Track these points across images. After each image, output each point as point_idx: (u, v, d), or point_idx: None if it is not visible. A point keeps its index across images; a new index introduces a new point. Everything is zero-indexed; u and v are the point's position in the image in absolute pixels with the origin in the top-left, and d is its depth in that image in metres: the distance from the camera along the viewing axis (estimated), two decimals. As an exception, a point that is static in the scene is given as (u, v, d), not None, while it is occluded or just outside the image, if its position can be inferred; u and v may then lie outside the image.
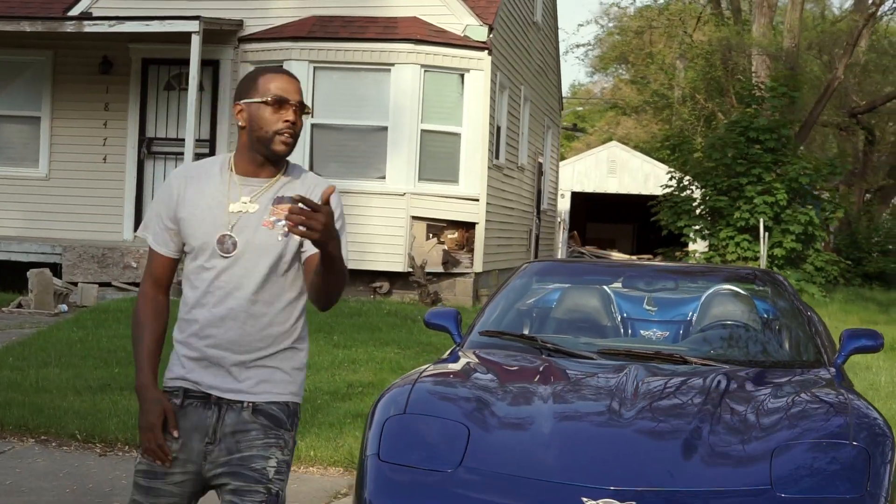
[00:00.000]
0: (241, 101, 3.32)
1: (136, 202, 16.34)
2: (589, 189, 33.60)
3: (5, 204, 16.44)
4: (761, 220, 20.28)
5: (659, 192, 26.76)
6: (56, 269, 14.14)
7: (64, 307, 13.20)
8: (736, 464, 4.19)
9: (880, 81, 34.13)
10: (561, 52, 30.71)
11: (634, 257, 33.00)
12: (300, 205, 2.91)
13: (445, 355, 5.65)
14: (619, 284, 6.43)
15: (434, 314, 6.05)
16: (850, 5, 36.17)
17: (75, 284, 13.97)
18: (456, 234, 15.60)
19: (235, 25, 15.98)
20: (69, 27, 15.20)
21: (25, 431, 7.17)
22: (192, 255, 3.34)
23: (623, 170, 33.19)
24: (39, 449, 6.95)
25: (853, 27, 27.84)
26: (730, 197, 21.83)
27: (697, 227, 22.69)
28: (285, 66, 14.40)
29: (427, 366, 5.24)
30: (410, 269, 15.18)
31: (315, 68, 15.33)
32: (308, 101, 2.97)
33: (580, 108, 59.99)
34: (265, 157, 3.30)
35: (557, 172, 26.67)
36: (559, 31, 24.47)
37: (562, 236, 21.26)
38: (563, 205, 29.24)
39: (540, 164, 22.45)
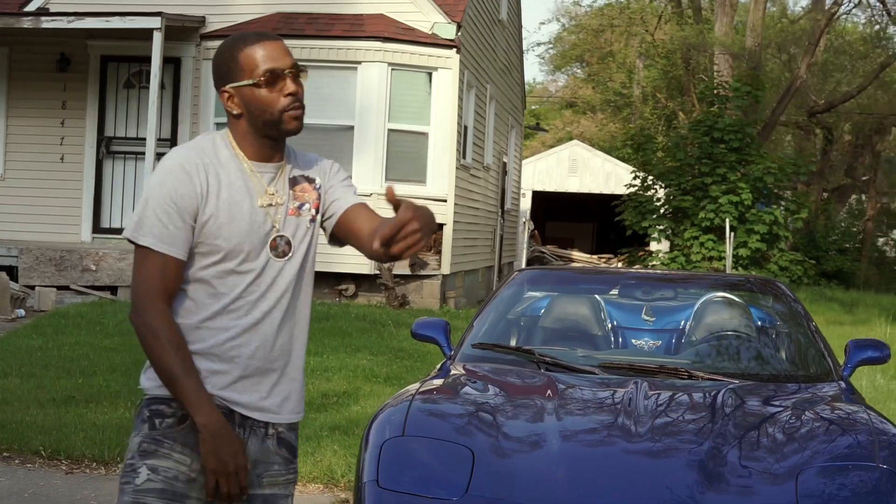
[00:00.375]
0: (228, 87, 2.89)
1: (95, 203, 15.94)
2: (550, 188, 33.44)
3: (-41, 204, 15.97)
4: (727, 220, 20.19)
5: (620, 191, 26.67)
6: (12, 272, 13.69)
7: (21, 312, 12.78)
8: (760, 487, 3.95)
9: (840, 80, 34.28)
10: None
11: (595, 257, 32.89)
12: (401, 229, 2.53)
13: (436, 370, 5.38)
14: (615, 293, 6.20)
15: (422, 325, 5.77)
16: (808, 4, 36.30)
17: (32, 288, 13.55)
18: (423, 236, 15.31)
19: (198, 22, 15.61)
20: (26, 23, 14.76)
21: (-14, 448, 6.83)
22: (214, 257, 2.87)
23: (584, 169, 33.05)
24: (1, 467, 6.58)
25: (814, 26, 27.85)
26: (694, 196, 21.73)
27: (662, 227, 22.57)
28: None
29: (419, 383, 4.97)
30: (377, 272, 14.89)
31: (279, 66, 14.96)
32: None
33: (535, 107, 59.87)
34: (277, 139, 2.94)
35: (520, 172, 26.48)
36: (522, 29, 24.26)
37: (525, 236, 21.01)
38: (524, 204, 29.05)
39: (504, 164, 22.23)
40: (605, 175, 32.84)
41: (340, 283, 15.09)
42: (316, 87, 14.93)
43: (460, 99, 15.93)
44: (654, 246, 25.31)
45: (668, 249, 23.64)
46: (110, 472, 6.48)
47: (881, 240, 37.10)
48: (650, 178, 23.24)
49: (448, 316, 14.05)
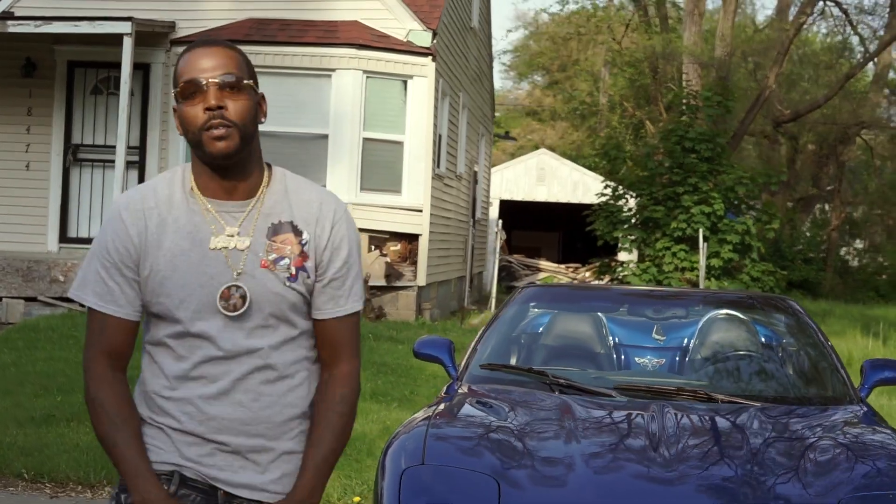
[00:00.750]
0: (175, 103, 2.52)
1: (62, 212, 15.57)
2: (518, 197, 33.28)
3: (-79, 213, 15.55)
4: (700, 231, 20.10)
5: (588, 200, 26.56)
6: (-22, 284, 13.33)
7: (-12, 324, 12.44)
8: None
9: (806, 90, 34.42)
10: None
11: (563, 266, 32.76)
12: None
13: (443, 393, 5.17)
14: (624, 310, 6.01)
15: (425, 344, 5.54)
16: (772, 13, 36.43)
17: (0, 300, 13.20)
18: (399, 247, 15.10)
19: (168, 27, 15.30)
20: (-8, 27, 14.39)
21: (-36, 471, 6.53)
22: (165, 315, 2.51)
23: (552, 178, 32.93)
24: (-18, 491, 6.32)
25: (783, 36, 27.90)
26: (666, 206, 21.63)
27: (633, 237, 22.44)
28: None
29: (427, 408, 4.76)
30: (352, 283, 14.63)
31: (252, 73, 14.70)
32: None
33: (497, 115, 59.76)
34: (212, 167, 2.48)
35: (489, 180, 26.33)
36: (492, 38, 24.14)
37: (498, 245, 20.83)
38: (492, 213, 28.90)
39: (475, 173, 22.06)
40: (573, 184, 32.74)
41: (314, 294, 14.83)
42: (289, 94, 14.68)
43: (436, 108, 15.73)
44: (623, 256, 25.19)
45: (637, 260, 23.53)
46: (96, 496, 6.22)
47: (843, 249, 37.27)
48: (621, 187, 23.11)
49: (426, 328, 13.83)
